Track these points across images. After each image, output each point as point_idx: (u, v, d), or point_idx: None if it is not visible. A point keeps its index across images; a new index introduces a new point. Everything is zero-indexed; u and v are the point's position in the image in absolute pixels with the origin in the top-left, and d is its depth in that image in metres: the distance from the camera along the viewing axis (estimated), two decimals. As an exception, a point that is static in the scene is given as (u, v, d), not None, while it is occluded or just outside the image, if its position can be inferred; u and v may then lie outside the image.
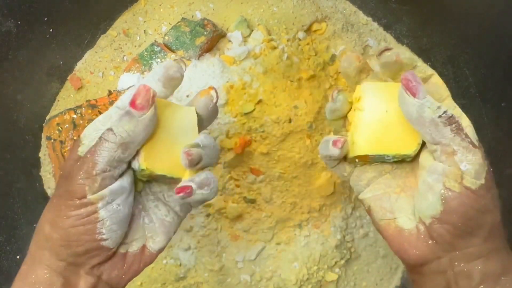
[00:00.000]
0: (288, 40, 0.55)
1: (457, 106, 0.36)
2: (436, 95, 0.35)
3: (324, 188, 0.54)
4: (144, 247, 0.36)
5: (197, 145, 0.35)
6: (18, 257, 0.55)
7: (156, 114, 0.34)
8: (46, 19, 0.54)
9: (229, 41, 0.55)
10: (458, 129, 0.33)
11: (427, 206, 0.34)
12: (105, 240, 0.33)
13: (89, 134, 0.35)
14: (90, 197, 0.33)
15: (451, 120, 0.33)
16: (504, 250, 0.35)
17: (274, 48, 0.54)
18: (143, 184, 0.37)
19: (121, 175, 0.34)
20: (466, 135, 0.33)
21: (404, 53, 0.37)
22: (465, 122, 0.34)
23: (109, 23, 0.59)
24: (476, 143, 0.34)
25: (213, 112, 0.40)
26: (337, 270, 0.57)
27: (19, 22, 0.52)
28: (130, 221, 0.36)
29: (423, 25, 0.56)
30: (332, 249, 0.56)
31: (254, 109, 0.50)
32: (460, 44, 0.54)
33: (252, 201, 0.54)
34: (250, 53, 0.54)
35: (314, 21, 0.57)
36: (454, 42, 0.54)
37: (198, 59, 0.54)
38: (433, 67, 0.58)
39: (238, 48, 0.54)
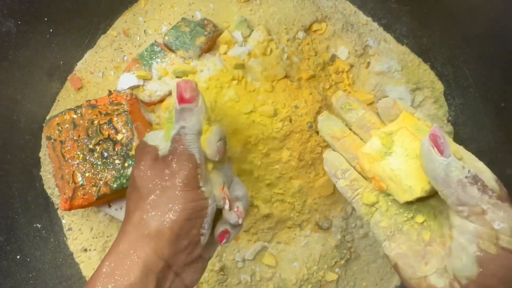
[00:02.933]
0: (288, 40, 0.55)
1: (463, 148, 0.35)
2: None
3: (324, 188, 0.54)
4: (208, 255, 0.39)
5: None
6: (18, 257, 0.55)
7: (203, 97, 0.38)
8: (46, 19, 0.54)
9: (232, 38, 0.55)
10: (484, 186, 0.32)
11: (461, 267, 0.32)
12: (202, 235, 0.36)
13: (155, 140, 0.38)
14: (204, 189, 0.35)
15: (476, 179, 0.32)
16: None
17: (274, 48, 0.54)
18: None
19: None
20: (492, 191, 0.32)
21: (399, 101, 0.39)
22: (485, 171, 0.34)
23: (109, 23, 0.59)
24: (503, 193, 0.32)
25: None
26: (337, 270, 0.57)
27: (19, 22, 0.52)
28: None
29: (423, 25, 0.56)
30: (332, 249, 0.56)
31: (253, 109, 0.50)
32: (460, 44, 0.54)
33: (251, 208, 0.54)
34: (250, 53, 0.54)
35: (314, 21, 0.57)
36: (454, 42, 0.54)
37: (198, 59, 0.54)
38: (433, 67, 0.58)
39: (238, 48, 0.54)
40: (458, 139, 0.58)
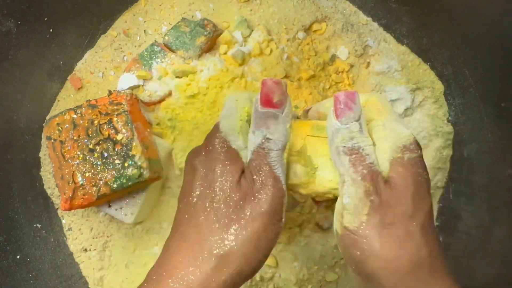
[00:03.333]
0: (288, 40, 0.55)
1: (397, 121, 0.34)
2: (370, 115, 0.35)
3: (324, 188, 0.54)
4: None
5: None
6: (18, 257, 0.55)
7: (290, 102, 0.33)
8: (46, 19, 0.54)
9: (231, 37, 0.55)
10: (356, 161, 0.31)
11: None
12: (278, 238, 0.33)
13: (231, 134, 0.33)
14: (283, 219, 0.32)
15: (352, 152, 0.32)
16: None
17: (274, 48, 0.54)
18: None
19: None
20: (366, 167, 0.31)
21: (323, 104, 0.37)
22: (386, 150, 0.32)
23: (109, 23, 0.59)
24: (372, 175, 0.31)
25: None
26: (337, 270, 0.57)
27: (19, 22, 0.52)
28: None
29: (423, 25, 0.56)
30: (332, 249, 0.56)
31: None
32: (460, 44, 0.54)
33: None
34: (250, 53, 0.54)
35: (314, 21, 0.57)
36: (454, 42, 0.54)
37: (198, 59, 0.54)
38: (433, 67, 0.58)
39: (238, 48, 0.54)
40: (458, 139, 0.58)
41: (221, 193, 0.32)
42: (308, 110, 0.39)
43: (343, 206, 0.31)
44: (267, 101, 0.31)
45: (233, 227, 0.31)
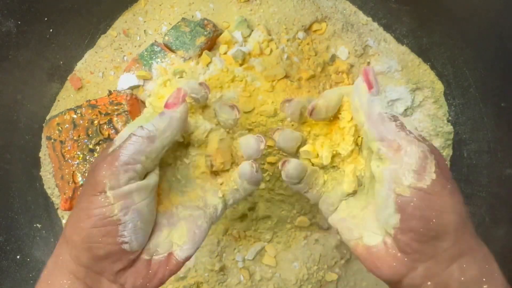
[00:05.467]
0: (288, 40, 0.55)
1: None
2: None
3: (324, 188, 0.54)
4: (170, 254, 0.35)
5: None
6: (18, 257, 0.55)
7: (186, 115, 0.35)
8: (46, 19, 0.54)
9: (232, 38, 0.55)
10: (402, 126, 0.33)
11: (386, 217, 0.33)
12: (126, 243, 0.32)
13: (121, 136, 0.35)
14: (110, 193, 0.31)
15: (395, 118, 0.33)
16: (479, 250, 0.32)
17: (274, 48, 0.54)
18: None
19: (145, 176, 0.34)
20: (411, 132, 0.33)
21: (331, 99, 0.38)
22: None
23: (109, 23, 0.59)
24: (421, 139, 0.33)
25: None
26: (337, 270, 0.57)
27: (19, 22, 0.52)
28: (154, 227, 0.35)
29: (423, 25, 0.56)
30: (332, 249, 0.56)
31: (253, 109, 0.50)
32: (460, 44, 0.54)
33: (251, 208, 0.54)
34: (250, 53, 0.54)
35: (314, 21, 0.57)
36: (454, 42, 0.54)
37: (198, 59, 0.54)
38: (433, 67, 0.58)
39: (238, 48, 0.54)
40: (458, 139, 0.58)
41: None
42: (312, 110, 0.38)
43: (408, 167, 0.31)
44: (166, 103, 0.35)
45: (77, 204, 0.34)
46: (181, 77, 0.53)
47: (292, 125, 0.48)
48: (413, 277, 0.32)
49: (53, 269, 0.33)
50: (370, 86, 0.34)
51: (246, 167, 0.37)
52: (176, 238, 0.36)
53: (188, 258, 0.36)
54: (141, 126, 0.33)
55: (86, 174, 0.49)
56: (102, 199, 0.31)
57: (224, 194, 0.38)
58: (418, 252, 0.32)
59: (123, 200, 0.32)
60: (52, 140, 0.51)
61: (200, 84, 0.39)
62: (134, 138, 0.33)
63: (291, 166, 0.37)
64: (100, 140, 0.50)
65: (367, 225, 0.35)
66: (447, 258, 0.31)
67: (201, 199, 0.38)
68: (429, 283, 0.32)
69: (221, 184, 0.39)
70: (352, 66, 0.58)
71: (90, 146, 0.50)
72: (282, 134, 0.40)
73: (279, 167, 0.39)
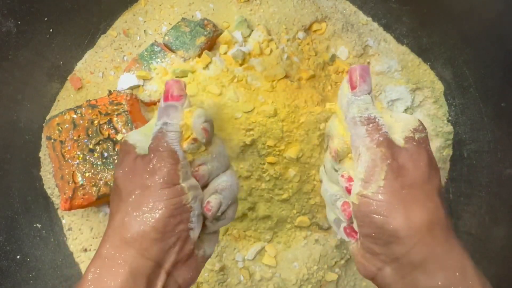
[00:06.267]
0: (288, 40, 0.55)
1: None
2: None
3: (324, 188, 0.54)
4: (204, 252, 0.37)
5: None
6: (18, 257, 0.55)
7: (189, 100, 0.38)
8: (46, 19, 0.54)
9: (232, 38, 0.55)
10: (374, 130, 0.33)
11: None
12: (192, 229, 0.34)
13: (134, 138, 0.37)
14: (183, 184, 0.34)
15: (369, 121, 0.33)
16: (448, 256, 0.31)
17: (274, 48, 0.54)
18: None
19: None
20: (382, 135, 0.33)
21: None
22: (397, 130, 0.35)
23: (109, 23, 0.59)
24: (400, 139, 0.34)
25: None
26: (337, 270, 0.57)
27: (19, 22, 0.52)
28: None
29: (423, 25, 0.56)
30: (332, 249, 0.56)
31: (253, 109, 0.50)
32: (460, 44, 0.54)
33: (251, 208, 0.54)
34: (250, 53, 0.54)
35: (314, 21, 0.57)
36: (454, 42, 0.54)
37: (198, 59, 0.54)
38: (433, 67, 0.58)
39: (238, 48, 0.54)
40: (458, 139, 0.58)
41: (119, 178, 0.35)
42: (335, 156, 0.39)
43: (359, 175, 0.33)
44: (167, 96, 0.36)
45: (130, 198, 0.34)
46: (185, 76, 0.53)
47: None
48: (383, 276, 0.34)
49: (108, 268, 0.32)
50: (352, 87, 0.35)
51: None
52: (205, 238, 0.38)
53: (208, 258, 0.38)
54: (167, 123, 0.35)
55: (86, 174, 0.49)
56: (179, 190, 0.34)
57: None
58: (382, 254, 0.33)
59: (192, 190, 0.35)
60: (52, 140, 0.51)
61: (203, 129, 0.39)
62: (172, 135, 0.35)
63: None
64: (100, 140, 0.50)
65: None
66: (408, 262, 0.32)
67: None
68: (398, 284, 0.33)
69: None
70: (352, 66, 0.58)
71: (90, 146, 0.50)
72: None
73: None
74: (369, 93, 0.35)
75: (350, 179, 0.36)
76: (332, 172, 0.40)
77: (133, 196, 0.34)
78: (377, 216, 0.32)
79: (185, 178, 0.35)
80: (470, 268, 0.31)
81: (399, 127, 0.35)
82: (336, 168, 0.38)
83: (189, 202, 0.34)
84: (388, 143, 0.33)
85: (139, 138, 0.37)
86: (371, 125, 0.33)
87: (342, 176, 0.37)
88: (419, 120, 0.36)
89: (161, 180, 0.33)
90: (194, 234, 0.35)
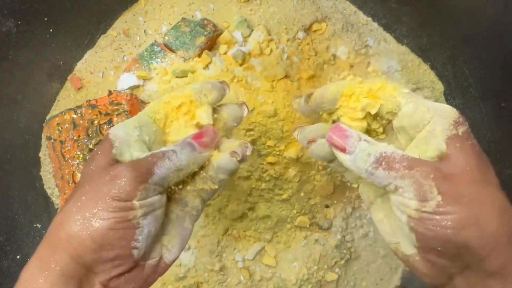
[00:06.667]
0: (288, 40, 0.55)
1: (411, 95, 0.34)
2: (391, 103, 0.34)
3: (324, 188, 0.54)
4: (161, 258, 0.36)
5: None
6: (18, 257, 0.55)
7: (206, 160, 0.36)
8: (46, 19, 0.54)
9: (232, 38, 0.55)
10: (389, 164, 0.31)
11: (407, 233, 0.32)
12: (136, 248, 0.32)
13: (115, 134, 0.35)
14: (137, 203, 0.32)
15: (379, 161, 0.32)
16: None
17: (274, 48, 0.54)
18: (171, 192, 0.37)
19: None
20: (402, 160, 0.31)
21: (327, 89, 0.36)
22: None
23: (109, 23, 0.59)
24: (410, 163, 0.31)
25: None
26: (337, 270, 0.57)
27: (19, 22, 0.52)
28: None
29: (423, 25, 0.56)
30: (332, 249, 0.56)
31: (253, 109, 0.50)
32: (460, 44, 0.54)
33: (251, 208, 0.54)
34: (250, 53, 0.54)
35: (314, 21, 0.57)
36: (454, 42, 0.54)
37: (198, 59, 0.54)
38: (433, 67, 0.58)
39: (238, 48, 0.54)
40: (458, 139, 0.58)
41: (83, 174, 0.34)
42: (310, 95, 0.38)
43: (411, 197, 0.31)
44: (198, 136, 0.36)
45: (81, 199, 0.32)
46: (185, 76, 0.53)
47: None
48: (454, 285, 0.32)
49: (40, 269, 0.31)
50: (342, 150, 0.33)
51: (225, 160, 0.37)
52: (166, 241, 0.36)
53: (174, 261, 0.36)
54: (176, 153, 0.34)
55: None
56: (128, 205, 0.31)
57: (202, 195, 0.38)
58: (449, 266, 0.31)
59: (146, 207, 0.32)
60: (52, 140, 0.51)
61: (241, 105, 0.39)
62: (169, 164, 0.33)
63: (316, 147, 0.37)
64: (100, 140, 0.50)
65: (402, 231, 0.34)
66: (483, 270, 0.30)
67: (183, 202, 0.37)
68: None
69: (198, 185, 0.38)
70: (352, 66, 0.58)
71: (90, 146, 0.50)
72: (303, 131, 0.39)
73: (305, 145, 0.38)
74: (359, 139, 0.33)
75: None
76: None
77: (83, 197, 0.32)
78: (443, 230, 0.30)
79: (143, 197, 0.32)
80: None
81: (437, 123, 0.32)
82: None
83: (137, 218, 0.32)
84: (417, 162, 0.31)
85: (122, 136, 0.35)
86: (384, 162, 0.31)
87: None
88: (455, 109, 0.33)
89: (115, 190, 0.31)
90: (139, 253, 0.33)
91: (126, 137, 0.35)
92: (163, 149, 0.34)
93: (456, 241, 0.29)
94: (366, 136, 0.33)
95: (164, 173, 0.33)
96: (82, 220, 0.31)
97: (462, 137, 0.32)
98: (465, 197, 0.30)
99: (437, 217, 0.30)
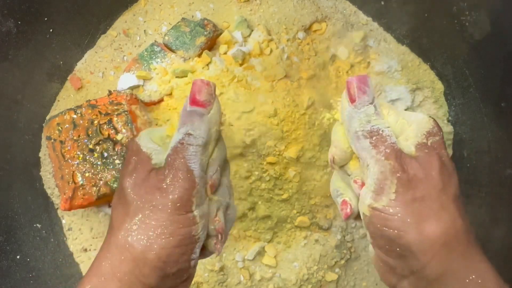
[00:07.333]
0: (288, 40, 0.55)
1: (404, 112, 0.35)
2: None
3: (324, 188, 0.54)
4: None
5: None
6: (18, 257, 0.55)
7: (220, 106, 0.34)
8: (46, 19, 0.54)
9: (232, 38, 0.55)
10: (378, 142, 0.32)
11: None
12: (194, 259, 0.32)
13: (149, 146, 0.34)
14: (196, 213, 0.31)
15: (372, 133, 0.32)
16: (469, 272, 0.30)
17: (274, 48, 0.54)
18: None
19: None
20: (389, 146, 0.31)
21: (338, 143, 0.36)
22: (411, 135, 0.33)
23: (109, 23, 0.59)
24: (408, 149, 0.32)
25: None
26: (337, 270, 0.57)
27: (19, 22, 0.52)
28: None
29: (423, 25, 0.56)
30: (332, 249, 0.56)
31: (253, 109, 0.50)
32: (460, 44, 0.54)
33: (251, 208, 0.54)
34: (250, 53, 0.54)
35: (314, 21, 0.57)
36: (454, 42, 0.54)
37: (198, 59, 0.54)
38: (433, 67, 0.58)
39: (238, 48, 0.54)
40: (458, 139, 0.58)
41: (128, 189, 0.32)
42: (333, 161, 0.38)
43: (369, 188, 0.31)
44: (194, 100, 0.32)
45: (138, 217, 0.31)
46: (185, 76, 0.53)
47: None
48: (403, 287, 0.32)
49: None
50: (351, 100, 0.33)
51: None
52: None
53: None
54: (191, 134, 0.32)
55: (86, 174, 0.49)
56: (190, 218, 0.31)
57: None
58: (397, 267, 0.32)
59: (204, 218, 0.32)
60: (52, 140, 0.51)
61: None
62: (193, 149, 0.32)
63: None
64: (100, 140, 0.50)
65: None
66: (424, 277, 0.30)
67: None
68: None
69: None
70: (352, 66, 0.58)
71: (90, 146, 0.50)
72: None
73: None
74: (371, 103, 0.33)
75: (363, 184, 0.34)
76: (344, 173, 0.38)
77: (140, 215, 0.31)
78: (388, 230, 0.30)
79: (199, 203, 0.32)
80: (492, 284, 0.30)
81: (412, 131, 0.33)
82: (348, 172, 0.37)
83: (199, 233, 0.32)
84: (397, 154, 0.31)
85: (154, 146, 0.34)
86: (374, 137, 0.32)
87: (355, 182, 0.35)
88: (433, 120, 0.33)
89: (173, 204, 0.31)
90: (195, 263, 0.33)
91: (159, 146, 0.34)
92: (177, 137, 0.32)
93: (399, 243, 0.30)
94: (380, 109, 0.33)
95: (198, 162, 0.32)
96: (147, 240, 0.30)
97: (430, 146, 0.32)
98: (417, 201, 0.30)
99: (386, 215, 0.30)
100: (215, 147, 0.35)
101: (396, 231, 0.30)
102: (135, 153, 0.34)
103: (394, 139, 0.32)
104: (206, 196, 0.33)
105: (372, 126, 0.32)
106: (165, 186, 0.31)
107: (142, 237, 0.31)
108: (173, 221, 0.31)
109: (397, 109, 0.35)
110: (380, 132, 0.32)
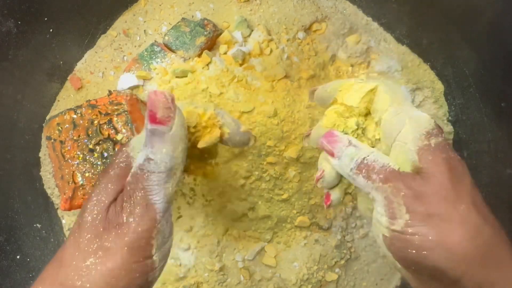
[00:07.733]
0: (288, 40, 0.55)
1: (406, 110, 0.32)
2: (380, 105, 0.34)
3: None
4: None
5: None
6: (18, 257, 0.55)
7: (184, 122, 0.29)
8: (46, 19, 0.54)
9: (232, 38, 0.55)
10: (368, 172, 0.31)
11: (385, 251, 0.32)
12: (151, 282, 0.30)
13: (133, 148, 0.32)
14: (156, 257, 0.28)
15: (360, 168, 0.32)
16: (505, 285, 0.28)
17: (274, 48, 0.54)
18: None
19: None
20: (381, 171, 0.31)
21: (329, 86, 0.37)
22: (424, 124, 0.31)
23: (109, 23, 0.59)
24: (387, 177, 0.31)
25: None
26: (337, 270, 0.57)
27: (19, 22, 0.52)
28: None
29: (423, 25, 0.56)
30: (332, 249, 0.56)
31: (253, 109, 0.50)
32: (460, 44, 0.54)
33: (251, 208, 0.54)
34: (250, 53, 0.54)
35: (314, 21, 0.57)
36: (454, 42, 0.54)
37: (198, 59, 0.54)
38: (433, 67, 0.58)
39: (238, 48, 0.54)
40: (458, 139, 0.58)
41: (88, 217, 0.28)
42: (313, 91, 0.39)
43: (381, 215, 0.31)
44: (151, 117, 0.28)
45: (90, 259, 0.27)
46: (185, 76, 0.53)
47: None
48: None
49: None
50: (331, 154, 0.34)
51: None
52: None
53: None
54: (151, 159, 0.28)
55: (86, 174, 0.49)
56: (148, 265, 0.28)
57: None
58: (433, 284, 0.30)
59: (164, 259, 0.30)
60: (52, 140, 0.51)
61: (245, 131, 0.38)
62: (155, 177, 0.28)
63: (325, 177, 0.36)
64: (100, 140, 0.50)
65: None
66: None
67: None
68: None
69: None
70: (352, 66, 0.58)
71: (90, 146, 0.50)
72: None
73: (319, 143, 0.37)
74: (348, 145, 0.33)
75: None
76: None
77: (92, 259, 0.27)
78: (413, 251, 0.29)
79: (161, 244, 0.28)
80: None
81: (409, 131, 0.31)
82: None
83: (156, 276, 0.29)
84: (392, 175, 0.30)
85: (139, 148, 0.31)
86: (364, 170, 0.32)
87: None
88: (433, 120, 0.31)
89: (129, 249, 0.27)
90: (154, 276, 0.30)
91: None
92: (138, 160, 0.28)
93: (426, 264, 0.28)
94: (356, 141, 0.34)
95: (160, 193, 0.28)
96: (100, 275, 0.27)
97: (435, 149, 0.30)
98: (435, 217, 0.28)
99: (406, 237, 0.29)
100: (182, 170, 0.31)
101: (420, 251, 0.28)
102: (119, 162, 0.30)
103: (382, 162, 0.31)
104: (170, 233, 0.30)
105: (356, 160, 0.32)
106: (121, 222, 0.27)
107: (89, 284, 0.27)
108: (128, 271, 0.27)
109: (404, 103, 0.33)
110: (365, 162, 0.32)
